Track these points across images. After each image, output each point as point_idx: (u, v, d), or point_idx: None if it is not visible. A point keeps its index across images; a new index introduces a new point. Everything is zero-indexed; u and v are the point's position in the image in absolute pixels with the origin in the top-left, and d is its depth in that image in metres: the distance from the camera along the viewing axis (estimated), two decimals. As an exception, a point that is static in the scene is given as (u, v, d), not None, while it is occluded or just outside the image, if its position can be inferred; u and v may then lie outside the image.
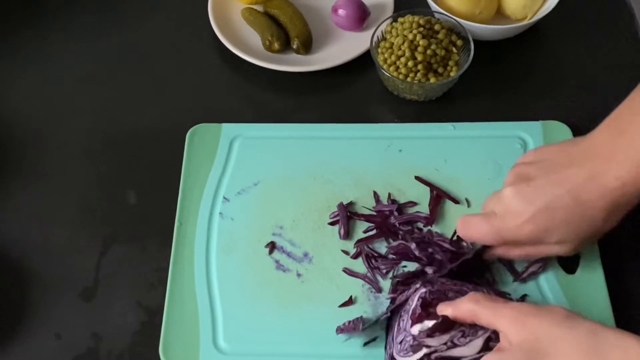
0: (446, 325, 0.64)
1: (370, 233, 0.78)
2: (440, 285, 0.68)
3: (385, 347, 0.69)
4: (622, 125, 0.65)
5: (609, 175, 0.64)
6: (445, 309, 0.64)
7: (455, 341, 0.63)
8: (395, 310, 0.70)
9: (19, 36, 1.00)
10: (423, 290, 0.68)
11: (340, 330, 0.71)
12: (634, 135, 0.64)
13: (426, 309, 0.66)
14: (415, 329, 0.65)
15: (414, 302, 0.68)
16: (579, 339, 0.56)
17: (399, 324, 0.68)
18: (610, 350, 0.55)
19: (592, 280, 0.74)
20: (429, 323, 0.64)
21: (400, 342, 0.66)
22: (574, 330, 0.57)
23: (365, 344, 0.71)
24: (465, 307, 0.63)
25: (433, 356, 0.63)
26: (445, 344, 0.64)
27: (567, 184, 0.65)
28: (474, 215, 0.71)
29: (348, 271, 0.76)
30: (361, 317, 0.72)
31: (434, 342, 0.64)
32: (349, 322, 0.72)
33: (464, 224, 0.71)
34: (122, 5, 1.03)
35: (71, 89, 0.94)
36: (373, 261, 0.76)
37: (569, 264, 0.75)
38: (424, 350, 0.63)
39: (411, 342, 0.65)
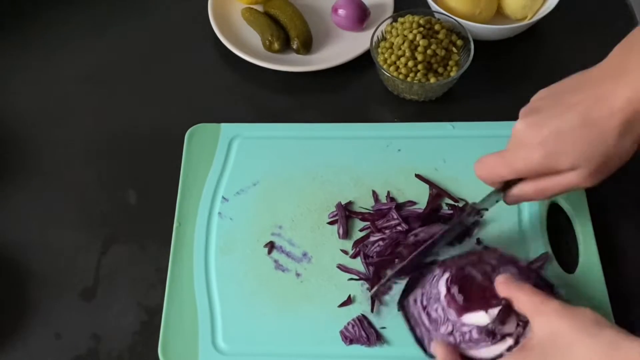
0: (509, 307, 0.64)
1: (367, 232, 0.78)
2: (454, 263, 0.69)
3: (418, 339, 0.69)
4: (633, 47, 0.64)
5: (618, 94, 0.62)
6: (498, 286, 0.66)
7: (523, 318, 0.64)
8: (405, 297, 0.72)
9: (18, 36, 1.00)
10: (447, 275, 0.68)
11: (349, 340, 0.72)
12: None
13: (463, 292, 0.67)
14: (472, 318, 0.65)
15: (441, 289, 0.68)
16: (598, 348, 0.56)
17: (428, 315, 0.68)
18: None
19: (591, 280, 0.74)
20: (494, 311, 0.64)
21: (451, 334, 0.66)
22: (595, 337, 0.57)
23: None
24: (512, 291, 0.64)
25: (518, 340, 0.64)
26: (517, 325, 0.64)
27: (577, 108, 0.64)
28: (487, 155, 0.70)
29: (342, 267, 0.76)
30: (374, 330, 0.72)
31: (510, 327, 0.64)
32: (354, 327, 0.72)
33: (478, 164, 0.71)
34: (122, 5, 1.03)
35: (71, 89, 0.94)
36: (370, 259, 0.76)
37: (568, 263, 0.75)
38: (509, 342, 0.64)
39: (476, 333, 0.65)
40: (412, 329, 0.70)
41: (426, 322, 0.69)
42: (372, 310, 0.73)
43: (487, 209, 0.74)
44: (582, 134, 0.63)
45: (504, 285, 0.65)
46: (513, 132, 0.68)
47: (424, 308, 0.69)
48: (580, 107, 0.64)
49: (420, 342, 0.69)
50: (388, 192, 0.81)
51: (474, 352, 0.65)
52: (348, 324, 0.72)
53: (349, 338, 0.72)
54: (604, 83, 0.64)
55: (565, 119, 0.64)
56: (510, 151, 0.68)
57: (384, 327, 0.72)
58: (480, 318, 0.65)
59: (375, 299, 0.73)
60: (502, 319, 0.64)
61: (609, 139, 0.63)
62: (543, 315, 0.61)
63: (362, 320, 0.72)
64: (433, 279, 0.70)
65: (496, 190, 0.72)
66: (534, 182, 0.68)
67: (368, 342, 0.71)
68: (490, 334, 0.64)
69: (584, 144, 0.63)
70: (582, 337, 0.57)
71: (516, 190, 0.70)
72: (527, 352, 0.61)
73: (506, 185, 0.71)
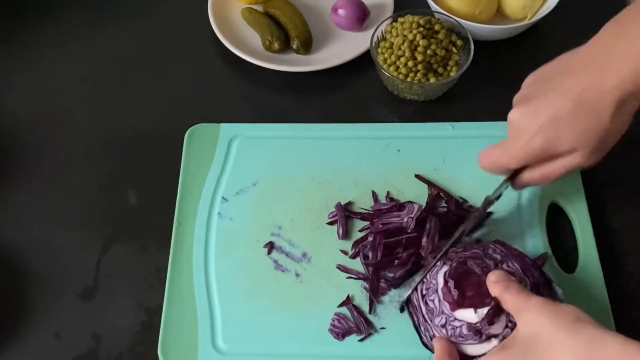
0: (499, 307, 0.65)
1: (366, 232, 0.78)
2: (457, 255, 0.70)
3: (415, 325, 0.70)
4: (622, 28, 0.66)
5: (608, 76, 0.64)
6: (489, 282, 0.66)
7: (512, 320, 0.64)
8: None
9: (18, 36, 1.00)
10: (446, 267, 0.69)
11: (340, 335, 0.72)
12: (634, 36, 0.64)
13: (459, 287, 0.67)
14: (463, 314, 0.66)
15: (439, 281, 0.68)
16: (578, 346, 0.56)
17: (426, 303, 0.69)
18: (606, 358, 0.54)
19: (590, 280, 0.74)
20: (483, 310, 0.65)
21: (443, 326, 0.67)
22: (575, 336, 0.57)
23: (361, 339, 0.72)
24: (499, 289, 0.64)
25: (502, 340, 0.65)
26: (506, 327, 0.65)
27: (569, 92, 0.66)
28: (489, 147, 0.73)
29: (342, 268, 0.76)
30: (362, 319, 0.73)
31: (497, 328, 0.65)
32: (339, 321, 0.72)
33: (482, 156, 0.73)
34: (122, 5, 1.03)
35: (71, 89, 0.94)
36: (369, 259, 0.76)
37: (568, 263, 0.75)
38: (494, 342, 0.65)
39: (466, 330, 0.65)
40: (411, 315, 0.71)
41: (423, 310, 0.69)
42: (370, 312, 0.73)
43: (499, 197, 0.75)
44: (578, 118, 0.65)
45: (493, 284, 0.65)
46: (509, 121, 0.70)
47: (423, 296, 0.70)
48: (573, 92, 0.66)
49: (417, 329, 0.70)
50: (388, 192, 0.81)
51: (462, 347, 0.66)
52: (332, 320, 0.73)
53: (340, 333, 0.72)
54: (594, 66, 0.66)
55: (560, 104, 0.66)
56: (510, 141, 0.70)
57: (383, 328, 0.72)
58: (470, 316, 0.66)
59: (374, 300, 0.74)
60: (490, 319, 0.64)
61: (604, 119, 0.65)
62: (526, 312, 0.61)
63: (349, 311, 0.73)
64: (434, 269, 0.70)
65: (504, 180, 0.74)
66: (538, 168, 0.70)
67: (359, 331, 0.72)
68: (477, 333, 0.65)
69: (580, 127, 0.66)
70: (562, 334, 0.57)
71: (522, 177, 0.72)
72: (508, 348, 0.61)
73: (512, 173, 0.73)
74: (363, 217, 0.79)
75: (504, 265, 0.69)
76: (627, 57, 0.63)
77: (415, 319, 0.71)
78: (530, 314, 0.60)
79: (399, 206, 0.78)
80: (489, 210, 0.76)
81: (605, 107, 0.64)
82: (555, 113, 0.66)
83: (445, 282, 0.68)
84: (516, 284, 0.64)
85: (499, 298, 0.64)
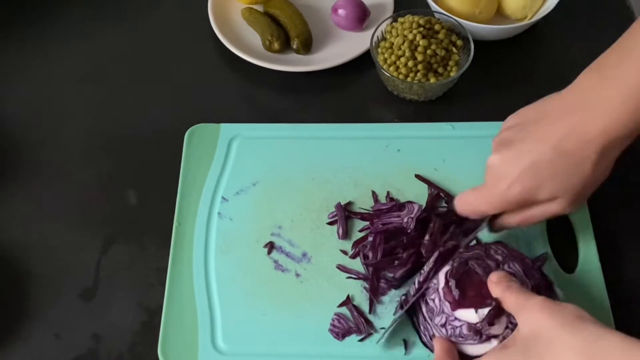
0: (499, 308, 0.64)
1: (366, 232, 0.78)
2: (459, 255, 0.70)
3: (416, 326, 0.70)
4: (601, 74, 0.65)
5: (590, 125, 0.63)
6: (490, 283, 0.66)
7: (513, 321, 0.64)
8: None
9: (18, 36, 1.00)
10: (448, 267, 0.69)
11: (340, 335, 0.72)
12: (613, 83, 0.62)
13: (460, 287, 0.67)
14: (464, 314, 0.66)
15: (440, 280, 0.68)
16: (579, 344, 0.56)
17: (426, 303, 0.69)
18: (607, 355, 0.54)
19: (590, 280, 0.74)
20: (484, 311, 0.65)
21: (443, 326, 0.67)
22: (576, 334, 0.57)
23: (361, 339, 0.72)
24: (500, 289, 0.64)
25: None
26: (506, 327, 0.64)
27: (549, 140, 0.64)
28: (467, 191, 0.72)
29: (342, 268, 0.76)
30: (362, 319, 0.73)
31: (497, 329, 0.64)
32: (339, 321, 0.72)
33: (459, 200, 0.72)
34: (122, 5, 1.03)
35: (71, 89, 0.94)
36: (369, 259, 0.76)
37: (568, 263, 0.75)
38: (494, 343, 0.64)
39: (466, 330, 0.65)
40: (410, 315, 0.71)
41: (423, 309, 0.69)
42: (370, 312, 0.73)
43: (475, 238, 0.75)
44: (558, 166, 0.65)
45: (495, 285, 0.65)
46: (488, 165, 0.69)
47: (423, 295, 0.70)
48: (553, 140, 0.64)
49: (416, 328, 0.70)
50: (388, 192, 0.81)
51: (462, 347, 0.66)
52: (332, 320, 0.73)
53: (340, 333, 0.72)
54: (573, 113, 0.64)
55: (540, 152, 0.65)
56: (489, 187, 0.69)
57: (383, 328, 0.72)
58: (470, 316, 0.65)
59: (374, 300, 0.74)
60: (490, 320, 0.64)
61: (585, 168, 0.64)
62: (527, 312, 0.61)
63: (349, 311, 0.73)
64: (434, 268, 0.70)
65: (482, 223, 0.73)
66: (516, 214, 0.70)
67: (359, 331, 0.72)
68: (478, 333, 0.65)
69: (560, 176, 0.65)
70: (563, 333, 0.57)
71: (500, 220, 0.72)
72: (508, 348, 0.61)
73: (493, 217, 0.72)
74: (363, 217, 0.79)
75: (505, 266, 0.69)
76: (608, 104, 0.62)
77: (415, 318, 0.71)
78: (531, 313, 0.60)
79: (399, 206, 0.78)
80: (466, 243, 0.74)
81: (587, 156, 0.63)
82: (534, 160, 0.65)
83: (447, 281, 0.68)
84: (517, 284, 0.64)
85: (500, 298, 0.64)
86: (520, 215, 0.70)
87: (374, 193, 0.81)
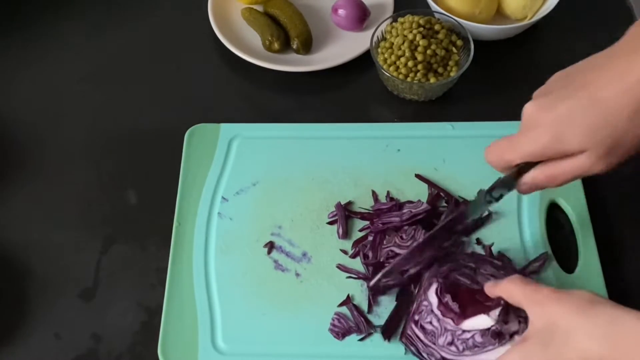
0: (507, 306, 0.64)
1: (366, 232, 0.78)
2: (437, 272, 0.69)
3: (418, 356, 0.68)
4: None
5: (631, 71, 0.60)
6: (488, 290, 0.65)
7: (522, 314, 0.63)
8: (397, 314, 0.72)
9: (18, 36, 1.00)
10: (435, 285, 0.68)
11: (340, 334, 0.72)
12: None
13: (456, 300, 0.67)
14: (472, 322, 0.65)
15: (432, 301, 0.68)
16: (596, 327, 0.56)
17: (423, 329, 0.68)
18: (627, 336, 0.54)
19: (590, 280, 0.74)
20: (495, 312, 0.64)
21: (451, 343, 0.66)
22: (592, 318, 0.56)
23: (361, 339, 0.72)
24: (503, 287, 0.63)
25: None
26: (519, 322, 0.64)
27: (588, 88, 0.61)
28: (497, 140, 0.67)
29: (342, 267, 0.76)
30: (363, 319, 0.72)
31: (514, 326, 0.64)
32: (339, 320, 0.72)
33: (488, 150, 0.68)
34: (122, 5, 1.03)
35: (71, 89, 0.94)
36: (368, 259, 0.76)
37: (568, 263, 0.75)
38: (516, 338, 0.63)
39: (480, 337, 0.64)
40: (408, 347, 0.70)
41: (421, 336, 0.68)
42: (368, 311, 0.73)
43: (497, 198, 0.70)
44: (591, 114, 0.60)
45: (495, 287, 0.65)
46: (523, 114, 0.65)
47: (416, 322, 0.69)
48: (591, 87, 0.61)
49: (419, 358, 0.69)
50: (388, 192, 0.81)
51: (482, 357, 0.64)
52: (332, 319, 0.73)
53: (340, 333, 0.72)
54: (617, 62, 0.61)
55: (575, 99, 0.61)
56: (519, 134, 0.65)
57: (379, 326, 0.72)
58: (482, 321, 0.65)
59: (372, 300, 0.74)
60: (504, 318, 0.64)
61: (619, 119, 0.60)
62: (537, 304, 0.60)
63: (349, 311, 0.73)
64: (420, 292, 0.70)
65: (507, 179, 0.68)
66: (545, 167, 0.65)
67: (359, 330, 0.71)
68: (497, 335, 0.64)
69: (592, 124, 0.60)
70: (579, 320, 0.57)
71: (527, 177, 0.67)
72: (526, 343, 0.60)
73: (518, 174, 0.67)
74: (363, 216, 0.79)
75: (482, 270, 0.69)
76: None
77: (414, 349, 0.69)
78: (543, 307, 0.59)
79: (399, 206, 0.78)
80: (487, 212, 0.74)
81: (622, 106, 0.60)
82: (569, 107, 0.61)
83: (440, 299, 0.67)
84: (519, 277, 0.63)
85: (505, 295, 0.63)
86: (549, 169, 0.65)
87: (374, 193, 0.81)
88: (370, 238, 0.77)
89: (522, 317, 0.64)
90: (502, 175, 0.69)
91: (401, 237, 0.74)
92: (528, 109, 0.64)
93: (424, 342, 0.68)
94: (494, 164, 0.67)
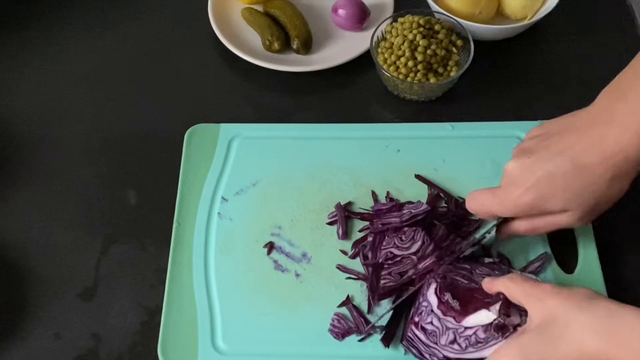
0: (507, 300, 0.64)
1: (366, 232, 0.78)
2: (434, 274, 0.69)
3: (420, 357, 0.68)
4: (623, 91, 0.66)
5: (609, 140, 0.64)
6: (486, 286, 0.66)
7: (522, 308, 0.64)
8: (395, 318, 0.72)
9: (19, 36, 1.00)
10: (434, 285, 0.68)
11: (340, 335, 0.72)
12: (634, 101, 0.64)
13: (456, 298, 0.67)
14: (474, 319, 0.65)
15: (432, 301, 0.68)
16: (594, 321, 0.56)
17: (423, 329, 0.67)
18: (623, 330, 0.55)
19: (590, 280, 0.74)
20: (496, 306, 0.64)
21: (454, 342, 0.66)
22: (590, 312, 0.57)
23: (361, 339, 0.72)
24: (501, 282, 0.64)
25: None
26: (520, 315, 0.64)
27: (568, 152, 0.66)
28: (480, 190, 0.72)
29: (342, 268, 0.76)
30: (363, 319, 0.72)
31: (516, 319, 0.64)
32: (339, 321, 0.72)
33: (470, 198, 0.72)
34: (122, 5, 1.03)
35: (71, 89, 0.94)
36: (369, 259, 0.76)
37: (567, 263, 0.75)
38: (519, 330, 0.63)
39: (482, 333, 0.64)
40: (409, 350, 0.69)
41: (422, 337, 0.68)
42: (368, 311, 0.73)
43: (482, 240, 0.74)
44: (573, 179, 0.65)
45: (493, 283, 0.65)
46: (505, 171, 0.70)
47: (416, 324, 0.68)
48: (571, 152, 0.65)
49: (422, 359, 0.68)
50: (387, 193, 0.81)
51: (486, 353, 0.64)
52: (332, 320, 0.73)
53: (339, 333, 0.72)
54: (594, 128, 0.65)
55: (557, 163, 0.66)
56: (503, 190, 0.69)
57: (379, 326, 0.72)
58: (484, 317, 0.65)
59: (372, 301, 0.74)
60: (505, 311, 0.64)
61: (600, 184, 0.65)
62: (536, 299, 0.61)
63: (349, 311, 0.73)
64: (418, 294, 0.70)
65: (490, 225, 0.73)
66: (526, 222, 0.70)
67: (359, 331, 0.72)
68: (500, 328, 0.64)
69: (574, 189, 0.66)
70: (577, 315, 0.57)
71: (508, 227, 0.72)
72: (524, 335, 0.61)
73: (501, 220, 0.72)
74: (363, 217, 0.79)
75: (477, 270, 0.70)
76: (626, 124, 0.63)
77: (415, 351, 0.68)
78: (543, 301, 0.60)
79: (399, 206, 0.78)
80: (470, 250, 0.74)
81: (603, 172, 0.64)
82: (551, 170, 0.66)
83: (439, 298, 0.67)
84: (518, 274, 0.64)
85: (505, 291, 0.64)
86: (529, 223, 0.70)
87: (373, 193, 0.81)
88: (370, 239, 0.77)
89: (523, 310, 0.64)
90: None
91: (401, 239, 0.74)
92: (510, 167, 0.69)
93: (425, 343, 0.67)
94: (475, 212, 0.73)
